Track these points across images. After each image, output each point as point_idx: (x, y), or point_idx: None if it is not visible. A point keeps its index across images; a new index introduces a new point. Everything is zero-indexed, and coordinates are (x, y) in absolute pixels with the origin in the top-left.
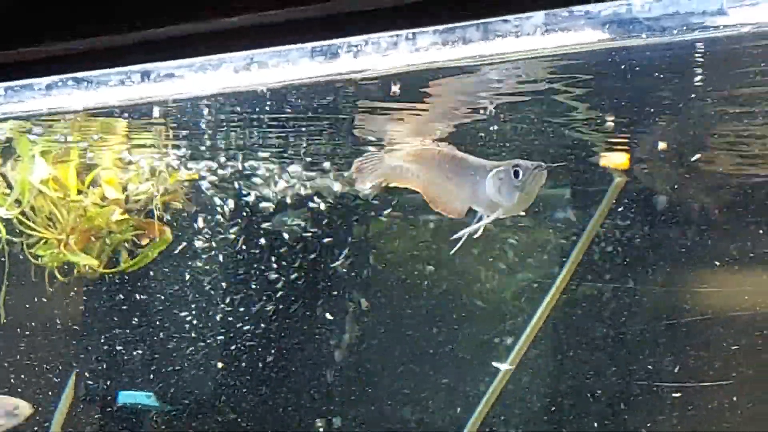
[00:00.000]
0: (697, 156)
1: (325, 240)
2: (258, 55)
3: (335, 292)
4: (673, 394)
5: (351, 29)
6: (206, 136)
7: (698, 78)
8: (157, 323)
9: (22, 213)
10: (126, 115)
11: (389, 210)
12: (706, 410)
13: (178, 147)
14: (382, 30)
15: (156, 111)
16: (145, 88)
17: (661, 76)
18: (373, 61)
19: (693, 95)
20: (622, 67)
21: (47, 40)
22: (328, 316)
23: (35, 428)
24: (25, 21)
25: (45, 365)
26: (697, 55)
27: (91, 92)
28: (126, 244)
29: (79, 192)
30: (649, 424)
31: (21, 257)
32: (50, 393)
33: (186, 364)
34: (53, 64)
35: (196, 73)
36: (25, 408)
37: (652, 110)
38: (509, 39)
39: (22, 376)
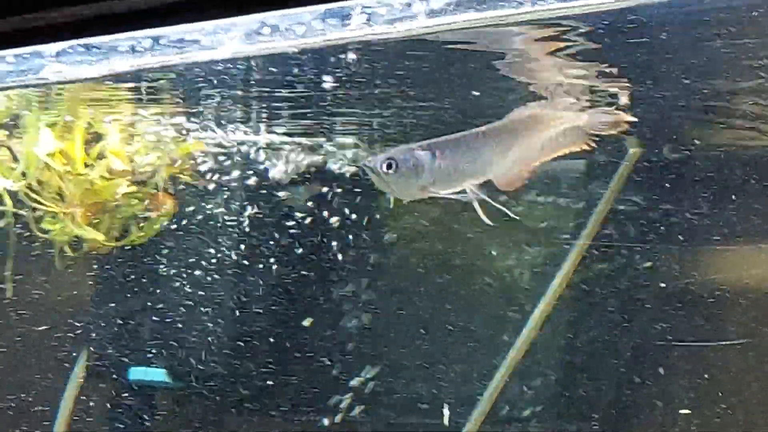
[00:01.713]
0: None
1: (339, 214)
2: (269, 18)
3: (350, 267)
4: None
5: None
6: (216, 105)
7: None
8: (169, 298)
9: (29, 186)
10: (133, 82)
11: None
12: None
13: (187, 116)
14: None
15: (165, 78)
16: (156, 54)
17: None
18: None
19: None
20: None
21: (55, 5)
22: (343, 291)
23: (46, 406)
24: None
25: (55, 341)
26: None
27: (101, 59)
28: (135, 218)
29: (86, 165)
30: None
31: (29, 232)
32: (61, 370)
33: (198, 340)
34: (62, 30)
35: (207, 37)
36: None
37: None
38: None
39: (32, 352)
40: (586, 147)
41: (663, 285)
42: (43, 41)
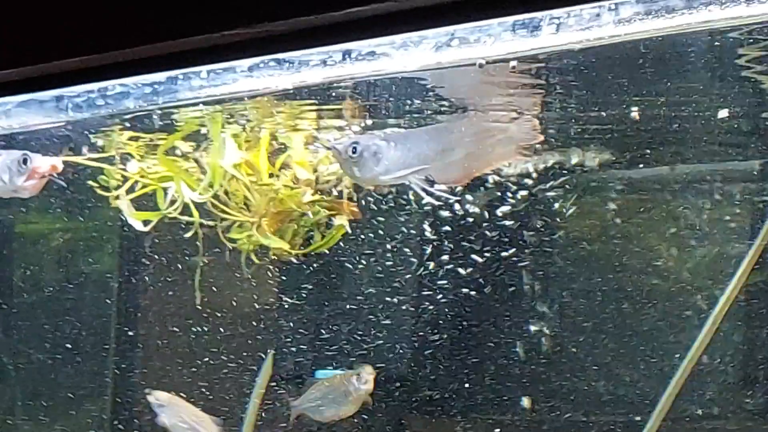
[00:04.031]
0: None
1: (516, 216)
2: (459, 31)
3: (526, 270)
4: None
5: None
6: (397, 114)
7: None
8: (353, 303)
9: (215, 197)
10: (320, 94)
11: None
12: None
13: (370, 126)
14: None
15: (349, 90)
16: (346, 68)
17: None
18: (573, 34)
19: None
20: None
21: (249, 22)
22: (522, 291)
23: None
24: (226, 3)
25: (243, 346)
26: None
27: (293, 73)
28: (319, 226)
29: (271, 175)
30: None
31: (216, 241)
32: (248, 373)
33: (382, 343)
34: (254, 46)
35: (398, 51)
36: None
37: None
38: (714, 6)
39: (221, 356)
40: (520, 157)
41: None
42: (239, 57)
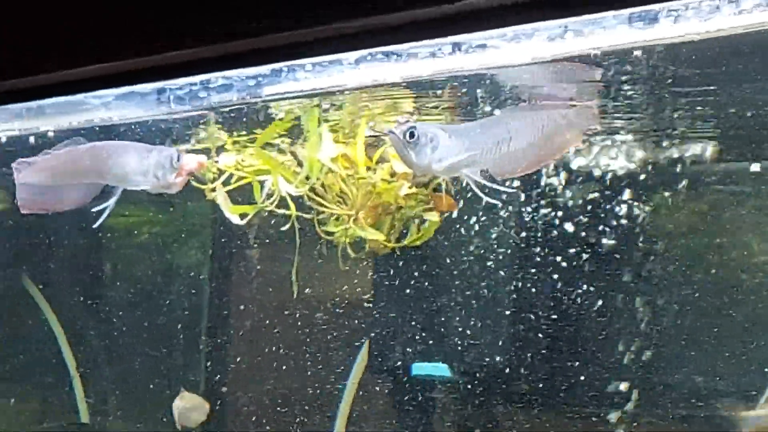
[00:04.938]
0: None
1: (609, 211)
2: (572, 23)
3: (622, 262)
4: None
5: None
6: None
7: None
8: (449, 296)
9: (312, 190)
10: (424, 88)
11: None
12: None
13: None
14: None
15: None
16: (456, 60)
17: None
18: (692, 26)
19: None
20: None
21: (357, 15)
22: (622, 286)
23: (328, 397)
24: None
25: (340, 338)
26: None
27: (401, 65)
28: (415, 219)
29: (368, 168)
30: None
31: (312, 233)
32: (342, 363)
33: (479, 336)
34: (363, 38)
35: (509, 43)
36: None
37: None
38: None
39: (318, 348)
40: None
41: None
42: (347, 49)
